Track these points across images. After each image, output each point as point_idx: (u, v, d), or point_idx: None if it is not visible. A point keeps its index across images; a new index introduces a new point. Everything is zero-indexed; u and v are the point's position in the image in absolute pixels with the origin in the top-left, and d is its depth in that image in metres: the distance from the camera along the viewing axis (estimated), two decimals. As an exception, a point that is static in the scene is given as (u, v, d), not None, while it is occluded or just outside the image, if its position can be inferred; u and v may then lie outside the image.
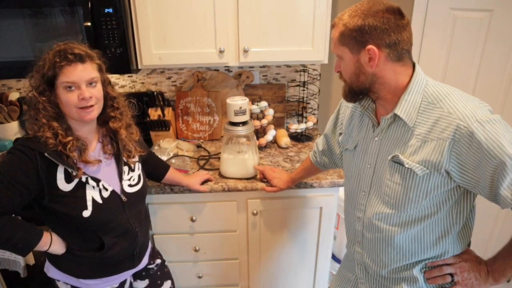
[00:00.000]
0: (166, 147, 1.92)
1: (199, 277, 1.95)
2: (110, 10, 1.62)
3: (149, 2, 1.70)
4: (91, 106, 1.17)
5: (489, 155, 0.90)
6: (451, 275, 1.09)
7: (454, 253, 1.10)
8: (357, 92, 1.05)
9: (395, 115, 1.02)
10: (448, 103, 0.96)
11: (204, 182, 1.71)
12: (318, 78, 2.17)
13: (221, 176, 1.77)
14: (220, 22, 1.75)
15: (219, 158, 1.86)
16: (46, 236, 1.23)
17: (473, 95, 0.99)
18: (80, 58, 1.13)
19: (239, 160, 1.73)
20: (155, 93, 2.07)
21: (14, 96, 2.08)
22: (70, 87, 1.13)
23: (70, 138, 1.17)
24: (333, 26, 1.02)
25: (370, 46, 0.95)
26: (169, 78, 2.19)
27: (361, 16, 0.95)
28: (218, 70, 2.17)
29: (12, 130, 2.04)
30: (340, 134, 1.29)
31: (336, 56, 1.06)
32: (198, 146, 2.08)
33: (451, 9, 1.87)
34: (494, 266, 1.04)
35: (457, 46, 1.90)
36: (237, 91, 2.18)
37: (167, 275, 1.61)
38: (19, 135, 2.06)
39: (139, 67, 1.83)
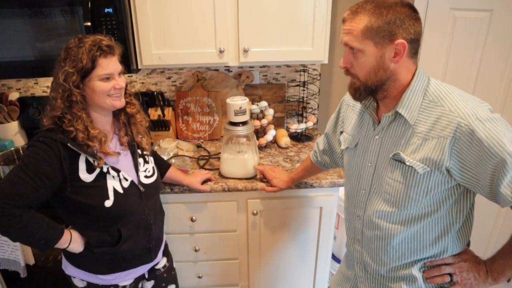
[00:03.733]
0: (166, 147, 1.92)
1: (199, 277, 1.95)
2: (110, 10, 1.62)
3: (149, 2, 1.70)
4: (121, 93, 1.26)
5: (490, 153, 0.90)
6: (450, 274, 1.09)
7: (454, 252, 1.10)
8: (372, 89, 1.00)
9: (396, 113, 1.02)
10: (449, 101, 0.96)
11: (205, 181, 1.71)
12: (318, 78, 2.17)
13: (221, 176, 1.77)
14: (220, 22, 1.75)
15: (219, 158, 1.86)
16: (67, 234, 1.24)
17: (473, 95, 0.99)
18: (113, 50, 1.21)
19: (239, 160, 1.73)
20: (155, 93, 2.07)
21: (14, 96, 2.08)
22: (107, 78, 1.19)
23: (97, 130, 1.22)
24: (350, 17, 0.96)
25: (400, 41, 0.93)
26: (169, 78, 2.19)
27: (390, 8, 0.92)
28: (218, 70, 2.17)
29: (12, 130, 2.05)
30: (341, 132, 1.29)
31: (352, 50, 0.98)
32: (198, 146, 2.08)
33: (451, 9, 1.87)
34: (493, 266, 1.04)
35: (457, 46, 1.90)
36: (237, 91, 2.18)
37: (173, 279, 1.60)
38: (19, 135, 2.07)
39: (139, 67, 1.83)
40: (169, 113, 2.11)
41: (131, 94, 1.36)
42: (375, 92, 1.02)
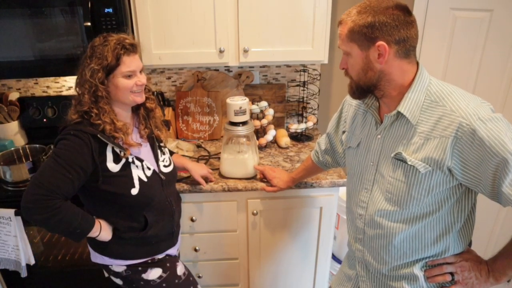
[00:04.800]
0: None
1: (199, 277, 1.95)
2: (110, 10, 1.62)
3: (149, 2, 1.70)
4: (142, 90, 1.32)
5: (491, 153, 0.90)
6: (452, 274, 1.09)
7: (455, 251, 1.10)
8: (364, 88, 1.05)
9: (398, 113, 1.03)
10: (451, 101, 0.97)
11: (205, 177, 1.70)
12: (318, 78, 2.17)
13: (221, 176, 1.77)
14: (220, 22, 1.75)
15: (219, 158, 1.86)
16: (97, 223, 1.30)
17: (474, 95, 1.00)
18: (135, 48, 1.27)
19: (239, 160, 1.73)
20: (155, 93, 2.06)
21: (14, 96, 2.08)
22: (130, 75, 1.25)
23: (122, 122, 1.29)
24: (340, 22, 1.02)
25: (380, 43, 0.95)
26: (169, 78, 2.19)
27: (371, 12, 0.96)
28: (218, 70, 2.17)
29: (12, 130, 2.04)
30: (343, 132, 1.30)
31: (343, 53, 1.05)
32: (198, 146, 2.08)
33: (451, 9, 1.86)
34: (494, 266, 1.04)
35: (457, 46, 1.90)
36: (237, 91, 2.18)
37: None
38: (19, 135, 2.06)
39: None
40: (169, 113, 2.11)
41: (150, 90, 1.41)
42: (368, 91, 1.05)
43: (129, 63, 1.24)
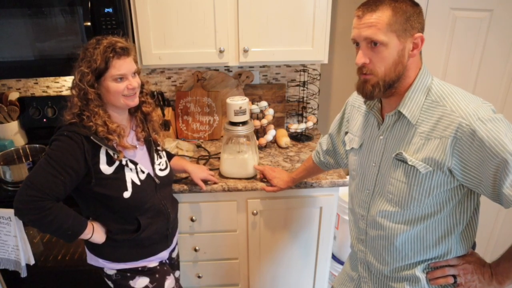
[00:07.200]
0: (166, 147, 1.92)
1: (199, 277, 1.95)
2: (110, 10, 1.62)
3: (149, 2, 1.70)
4: (135, 93, 1.30)
5: (491, 153, 0.90)
6: (454, 276, 1.09)
7: (457, 254, 1.10)
8: (390, 84, 0.98)
9: (399, 113, 1.02)
10: (451, 101, 0.96)
11: (205, 180, 1.70)
12: (318, 78, 2.17)
13: (221, 176, 1.77)
14: (220, 22, 1.75)
15: (219, 158, 1.86)
16: (90, 225, 1.30)
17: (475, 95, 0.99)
18: (127, 52, 1.25)
19: (239, 160, 1.73)
20: (155, 93, 2.06)
21: (14, 96, 2.08)
22: (120, 78, 1.24)
23: (116, 124, 1.28)
24: (372, 10, 0.93)
25: (419, 34, 0.94)
26: (169, 78, 2.19)
27: (404, 2, 0.93)
28: (218, 70, 2.17)
29: (12, 130, 2.05)
30: (346, 133, 1.29)
31: (373, 44, 0.94)
32: (198, 146, 2.08)
33: (451, 9, 1.86)
34: (498, 269, 1.03)
35: (457, 46, 1.90)
36: (237, 91, 2.18)
37: (178, 265, 1.69)
38: (19, 135, 2.07)
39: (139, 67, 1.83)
40: (169, 113, 2.11)
41: (147, 93, 1.41)
42: (391, 87, 0.99)
43: (119, 66, 1.22)
